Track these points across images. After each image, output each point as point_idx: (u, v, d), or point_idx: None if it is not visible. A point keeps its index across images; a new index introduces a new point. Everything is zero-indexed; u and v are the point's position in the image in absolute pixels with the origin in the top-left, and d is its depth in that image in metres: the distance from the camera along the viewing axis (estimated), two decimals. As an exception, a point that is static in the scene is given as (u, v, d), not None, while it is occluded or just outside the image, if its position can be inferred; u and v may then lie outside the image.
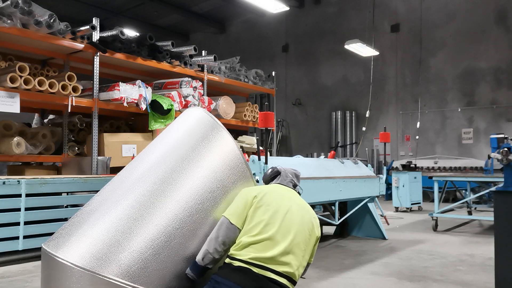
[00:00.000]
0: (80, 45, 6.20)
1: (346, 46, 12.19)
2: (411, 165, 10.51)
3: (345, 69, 15.52)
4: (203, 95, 7.79)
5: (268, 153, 4.66)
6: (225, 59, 8.92)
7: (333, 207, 5.55)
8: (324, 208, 6.22)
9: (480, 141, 12.86)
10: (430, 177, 7.79)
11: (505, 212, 3.18)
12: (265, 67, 12.54)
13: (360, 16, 14.72)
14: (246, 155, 6.74)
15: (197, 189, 2.48)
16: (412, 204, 9.51)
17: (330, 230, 6.46)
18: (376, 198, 6.10)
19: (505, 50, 12.59)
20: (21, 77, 5.44)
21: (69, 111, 6.20)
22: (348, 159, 6.16)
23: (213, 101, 7.99)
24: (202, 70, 8.14)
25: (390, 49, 14.50)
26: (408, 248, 5.49)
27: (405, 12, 14.28)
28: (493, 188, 4.82)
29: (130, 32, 8.54)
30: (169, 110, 6.97)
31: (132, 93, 6.51)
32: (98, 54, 6.36)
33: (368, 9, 14.01)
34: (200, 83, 7.68)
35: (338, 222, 5.48)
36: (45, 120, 7.71)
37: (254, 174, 4.18)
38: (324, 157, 7.15)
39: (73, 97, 6.01)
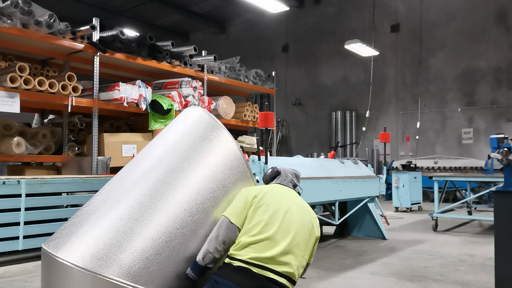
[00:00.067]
0: (80, 45, 6.20)
1: (346, 46, 12.20)
2: (411, 165, 10.51)
3: (345, 69, 15.52)
4: (203, 95, 7.79)
5: (268, 153, 4.66)
6: (225, 59, 8.92)
7: (333, 207, 5.55)
8: (324, 208, 6.22)
9: (480, 141, 12.86)
10: (430, 177, 7.79)
11: (505, 212, 3.18)
12: (265, 67, 12.54)
13: (360, 16, 14.72)
14: (246, 155, 6.75)
15: (197, 189, 2.48)
16: (412, 204, 9.51)
17: (330, 230, 6.46)
18: (376, 198, 6.10)
19: (505, 50, 12.59)
20: (21, 77, 5.44)
21: (69, 111, 6.20)
22: (348, 159, 6.16)
23: (213, 101, 7.99)
24: (202, 70, 8.14)
25: (390, 49, 14.50)
26: (408, 248, 5.49)
27: (405, 12, 14.29)
28: (493, 188, 4.82)
29: (130, 32, 8.54)
30: (169, 110, 6.97)
31: (132, 93, 6.51)
32: (98, 54, 6.36)
33: (368, 9, 14.01)
34: (200, 83, 7.68)
35: (338, 222, 5.48)
36: (45, 120, 7.71)
37: (254, 174, 4.18)
38: (324, 157, 7.15)
39: (73, 97, 6.01)
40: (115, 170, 6.43)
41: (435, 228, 6.88)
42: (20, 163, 7.03)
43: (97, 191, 5.13)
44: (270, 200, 2.48)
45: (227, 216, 2.43)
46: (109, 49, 6.49)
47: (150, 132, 7.06)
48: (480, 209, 9.22)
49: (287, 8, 10.72)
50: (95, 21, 6.31)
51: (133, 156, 6.58)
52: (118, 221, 2.29)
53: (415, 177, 9.67)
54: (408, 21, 14.22)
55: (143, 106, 6.69)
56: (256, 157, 4.52)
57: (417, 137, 13.42)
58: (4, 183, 4.44)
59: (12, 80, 5.35)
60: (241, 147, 8.54)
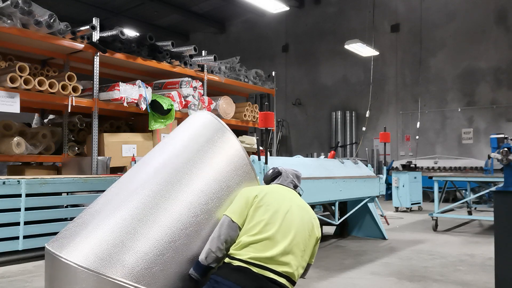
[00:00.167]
0: (80, 45, 6.21)
1: (346, 46, 12.20)
2: (411, 165, 10.51)
3: (345, 69, 15.52)
4: (203, 95, 7.79)
5: (268, 153, 4.66)
6: (225, 59, 8.92)
7: (333, 207, 5.56)
8: (324, 208, 6.22)
9: (480, 141, 12.86)
10: (430, 177, 7.79)
11: (505, 212, 3.18)
12: (265, 67, 12.54)
13: (360, 16, 14.72)
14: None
15: (201, 190, 2.49)
16: (412, 204, 9.51)
17: (330, 230, 6.46)
18: (376, 198, 6.10)
19: (505, 50, 12.59)
20: (21, 77, 5.44)
21: (69, 111, 6.20)
22: (348, 159, 6.16)
23: (213, 101, 7.99)
24: (202, 70, 8.14)
25: (390, 49, 14.50)
26: (408, 248, 5.49)
27: (405, 12, 14.29)
28: (493, 188, 4.82)
29: (130, 32, 8.54)
30: (169, 110, 6.97)
31: (132, 93, 6.51)
32: (98, 54, 6.36)
33: (368, 9, 14.01)
34: (200, 83, 7.69)
35: (338, 222, 5.48)
36: (45, 120, 7.72)
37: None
38: (324, 157, 7.16)
39: (73, 97, 6.01)
40: (115, 170, 6.44)
41: (435, 228, 6.89)
42: (20, 163, 7.03)
43: (97, 191, 5.18)
44: (271, 200, 2.49)
45: (229, 215, 2.44)
46: (109, 49, 6.49)
47: (150, 132, 7.06)
48: (480, 209, 9.22)
49: (287, 8, 10.72)
50: (95, 21, 6.31)
51: (133, 156, 6.58)
52: (122, 222, 2.30)
53: (415, 177, 9.67)
54: (408, 21, 14.22)
55: (143, 106, 6.69)
56: (256, 157, 4.52)
57: (417, 137, 13.42)
58: (4, 183, 4.44)
59: (12, 80, 5.35)
60: (241, 147, 8.52)
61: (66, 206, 5.27)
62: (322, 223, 5.34)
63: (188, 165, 2.55)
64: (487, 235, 6.43)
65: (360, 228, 6.33)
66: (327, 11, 16.02)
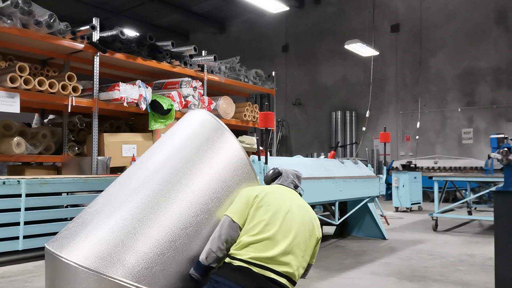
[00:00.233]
0: (80, 45, 6.20)
1: (346, 46, 12.20)
2: (411, 165, 10.51)
3: (345, 69, 15.52)
4: (203, 95, 7.79)
5: (268, 153, 4.66)
6: (225, 59, 8.92)
7: (333, 207, 5.56)
8: (324, 208, 6.22)
9: (480, 141, 12.86)
10: (430, 177, 7.79)
11: (505, 212, 3.18)
12: (265, 67, 12.54)
13: (360, 16, 14.72)
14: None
15: (201, 190, 2.49)
16: (412, 204, 9.51)
17: (330, 230, 6.46)
18: (376, 198, 6.10)
19: (505, 50, 12.59)
20: (21, 77, 5.44)
21: (69, 111, 6.20)
22: (348, 159, 6.16)
23: (213, 101, 7.99)
24: (202, 70, 8.14)
25: (390, 49, 14.50)
26: (408, 248, 5.49)
27: (405, 12, 14.29)
28: (493, 188, 4.82)
29: (130, 32, 8.54)
30: (169, 110, 6.97)
31: (132, 93, 6.51)
32: (98, 54, 6.36)
33: (368, 9, 14.01)
34: (200, 83, 7.68)
35: (338, 222, 5.48)
36: (45, 120, 7.71)
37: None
38: (324, 157, 7.16)
39: (73, 97, 6.01)
40: (115, 170, 6.44)
41: (435, 228, 6.89)
42: (20, 163, 7.03)
43: (97, 191, 5.18)
44: (271, 200, 2.49)
45: (229, 215, 2.44)
46: (109, 49, 6.49)
47: (150, 132, 7.06)
48: (480, 209, 9.22)
49: (287, 8, 10.72)
50: (95, 21, 6.31)
51: (133, 156, 6.58)
52: (122, 222, 2.30)
53: (415, 177, 9.67)
54: (408, 21, 14.22)
55: (143, 106, 6.69)
56: (256, 157, 4.52)
57: (417, 137, 13.42)
58: (4, 183, 4.44)
59: (12, 80, 5.35)
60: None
61: (66, 206, 5.27)
62: (322, 223, 5.33)
63: (188, 164, 2.55)
64: (487, 235, 6.43)
65: (360, 228, 6.33)
66: (327, 11, 16.02)
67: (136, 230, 2.27)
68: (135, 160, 6.27)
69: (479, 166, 11.92)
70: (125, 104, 6.44)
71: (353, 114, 15.21)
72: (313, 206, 5.29)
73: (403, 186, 9.46)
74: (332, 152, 7.24)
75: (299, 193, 2.79)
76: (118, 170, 6.50)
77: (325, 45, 15.98)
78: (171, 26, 18.63)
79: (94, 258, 2.15)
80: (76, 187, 5.04)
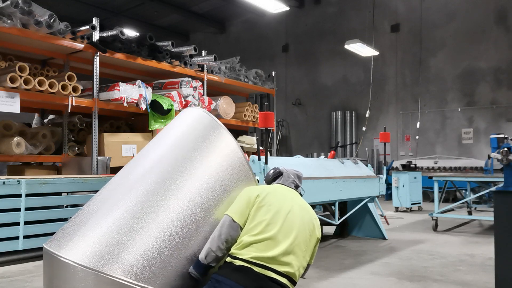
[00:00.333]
0: (80, 45, 6.20)
1: (346, 46, 12.20)
2: (411, 165, 10.51)
3: (345, 69, 15.52)
4: (203, 95, 7.79)
5: (268, 153, 4.66)
6: (225, 59, 8.92)
7: (333, 207, 5.56)
8: (324, 208, 6.22)
9: (480, 141, 12.86)
10: (430, 177, 7.79)
11: (505, 212, 3.18)
12: (265, 67, 12.54)
13: (360, 16, 14.72)
14: (246, 155, 6.74)
15: (199, 189, 2.49)
16: (412, 204, 9.51)
17: (330, 230, 6.46)
18: (376, 198, 6.10)
19: (505, 50, 12.59)
20: (21, 77, 5.44)
21: (69, 111, 6.20)
22: (348, 159, 6.16)
23: (213, 101, 7.99)
24: (202, 70, 8.14)
25: (390, 49, 14.50)
26: (408, 248, 5.49)
27: (405, 12, 14.29)
28: (493, 188, 4.82)
29: (130, 32, 8.54)
30: (169, 110, 6.97)
31: (132, 93, 6.51)
32: (98, 54, 6.36)
33: (368, 9, 14.01)
34: (200, 83, 7.68)
35: (338, 222, 5.48)
36: (45, 120, 7.71)
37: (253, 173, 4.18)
38: (324, 157, 7.16)
39: (73, 97, 6.01)
40: (115, 170, 6.43)
41: (435, 228, 6.89)
42: (20, 163, 7.03)
43: (97, 191, 5.15)
44: (273, 200, 2.49)
45: (230, 215, 2.44)
46: (109, 49, 6.49)
47: (150, 132, 7.06)
48: (480, 209, 9.22)
49: (287, 8, 10.72)
50: (95, 21, 6.31)
51: (133, 156, 6.57)
52: (120, 220, 2.30)
53: (415, 177, 9.67)
54: (408, 21, 14.22)
55: (143, 106, 6.69)
56: (256, 157, 4.52)
57: (417, 137, 13.42)
58: (4, 183, 4.44)
59: (12, 80, 5.35)
60: (241, 147, 8.53)
61: (66, 206, 5.27)
62: (322, 223, 5.34)
63: (185, 163, 2.55)
64: (487, 235, 6.43)
65: (360, 228, 6.33)
66: (327, 11, 16.02)
67: (134, 228, 2.27)
68: (134, 160, 6.28)
69: (479, 166, 11.92)
70: (125, 104, 6.44)
71: (353, 114, 15.21)
72: (313, 206, 5.29)
73: (403, 186, 9.46)
74: (332, 152, 7.25)
75: (300, 193, 2.79)
76: (118, 170, 6.44)
77: (325, 45, 15.98)
78: (171, 26, 18.63)
79: (92, 257, 2.15)
80: (76, 187, 5.04)
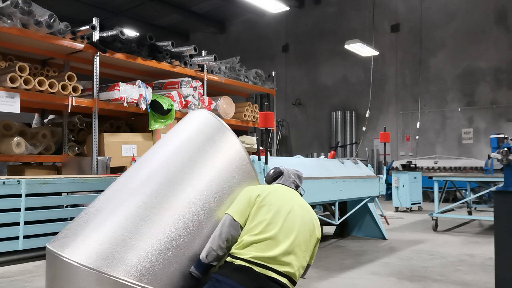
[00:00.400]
0: (80, 45, 6.20)
1: (346, 46, 12.20)
2: (411, 165, 10.51)
3: (345, 69, 15.52)
4: (203, 95, 7.79)
5: (268, 153, 4.66)
6: (225, 59, 8.92)
7: (333, 207, 5.55)
8: (324, 208, 6.22)
9: (480, 141, 12.86)
10: (430, 177, 7.79)
11: (505, 212, 3.18)
12: (265, 67, 12.54)
13: (360, 16, 14.72)
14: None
15: (203, 189, 2.50)
16: (412, 204, 9.51)
17: (330, 230, 6.46)
18: (376, 198, 6.10)
19: (505, 50, 12.59)
20: (21, 77, 5.44)
21: (69, 111, 6.20)
22: (348, 159, 6.16)
23: (213, 101, 7.99)
24: (202, 70, 8.14)
25: (390, 49, 14.50)
26: (408, 248, 5.49)
27: (405, 12, 14.29)
28: (493, 188, 4.82)
29: (130, 32, 8.54)
30: (169, 110, 6.97)
31: (132, 93, 6.51)
32: (98, 54, 6.36)
33: (368, 9, 14.01)
34: (200, 83, 7.68)
35: (338, 222, 5.48)
36: (45, 120, 7.71)
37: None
38: (324, 157, 7.16)
39: (73, 97, 6.01)
40: (115, 170, 6.44)
41: (435, 228, 6.88)
42: (20, 163, 7.03)
43: (97, 191, 5.18)
44: (273, 200, 2.49)
45: (231, 214, 2.44)
46: (109, 49, 6.49)
47: (150, 132, 7.06)
48: (480, 209, 9.22)
49: (287, 8, 10.72)
50: (95, 21, 6.31)
51: (133, 156, 6.58)
52: (124, 221, 2.30)
53: (415, 177, 9.67)
54: (408, 21, 14.22)
55: (143, 106, 6.69)
56: (256, 157, 4.52)
57: (417, 137, 13.42)
58: (4, 183, 4.44)
59: (12, 80, 5.35)
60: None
61: (66, 206, 5.27)
62: (322, 223, 5.34)
63: (189, 164, 2.56)
64: (487, 235, 6.43)
65: (360, 228, 6.33)
66: (327, 11, 16.02)
67: (137, 229, 2.27)
68: (135, 160, 6.29)
69: (479, 166, 11.92)
70: (125, 104, 6.44)
71: (353, 114, 15.21)
72: (313, 206, 5.29)
73: (403, 186, 9.46)
74: (332, 152, 7.24)
75: (300, 193, 2.79)
76: (118, 170, 6.50)
77: (325, 45, 15.98)
78: (171, 26, 18.63)
79: (95, 257, 2.16)
80: (76, 187, 5.04)
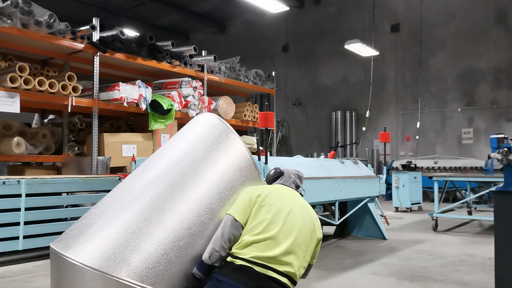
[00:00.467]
0: (80, 45, 6.21)
1: (346, 46, 12.20)
2: (411, 165, 10.51)
3: (345, 69, 15.52)
4: (203, 95, 7.79)
5: (268, 153, 4.66)
6: (225, 59, 8.92)
7: (333, 207, 5.56)
8: (324, 208, 6.22)
9: (480, 141, 12.86)
10: (430, 177, 7.79)
11: (505, 212, 3.18)
12: (265, 67, 12.54)
13: (360, 16, 14.72)
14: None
15: (206, 190, 2.51)
16: (412, 204, 9.51)
17: (330, 230, 6.45)
18: (376, 198, 6.10)
19: (505, 50, 12.59)
20: (21, 77, 5.44)
21: (69, 111, 6.20)
22: (348, 159, 6.15)
23: (213, 101, 7.99)
24: (202, 70, 8.14)
25: (390, 49, 14.51)
26: (408, 248, 5.49)
27: (405, 12, 14.29)
28: (493, 188, 4.82)
29: (130, 32, 8.54)
30: (169, 110, 6.97)
31: (132, 93, 6.51)
32: (98, 54, 6.36)
33: (368, 9, 14.01)
34: (200, 83, 7.68)
35: (338, 222, 5.48)
36: (45, 120, 7.72)
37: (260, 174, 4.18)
38: (324, 157, 7.16)
39: (73, 97, 6.01)
40: (115, 170, 6.45)
41: (435, 228, 6.88)
42: (20, 163, 7.03)
43: (97, 191, 5.18)
44: (274, 200, 2.49)
45: (232, 214, 2.44)
46: (109, 49, 6.49)
47: (150, 132, 7.06)
48: (480, 209, 9.22)
49: (287, 8, 10.72)
50: (95, 21, 6.31)
51: (133, 156, 6.58)
52: (127, 222, 2.32)
53: (415, 177, 9.67)
54: (408, 21, 14.22)
55: (143, 106, 6.69)
56: (256, 157, 4.52)
57: (417, 137, 13.42)
58: (4, 183, 4.44)
59: (12, 80, 5.35)
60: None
61: (66, 206, 5.27)
62: (322, 223, 5.33)
63: (193, 166, 2.57)
64: (487, 235, 6.43)
65: (360, 228, 6.33)
66: (327, 11, 16.02)
67: (140, 230, 2.29)
68: (135, 160, 6.29)
69: (479, 166, 11.92)
70: (125, 104, 6.44)
71: (353, 114, 15.21)
72: (313, 206, 5.29)
73: (403, 186, 9.46)
74: (332, 152, 7.24)
75: (301, 193, 2.79)
76: (118, 170, 6.50)
77: (325, 45, 15.98)
78: (171, 26, 18.63)
79: (98, 258, 2.17)
80: (76, 187, 5.04)
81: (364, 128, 12.55)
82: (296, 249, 2.36)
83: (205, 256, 2.37)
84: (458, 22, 13.32)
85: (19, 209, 4.54)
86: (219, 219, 2.50)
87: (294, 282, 2.34)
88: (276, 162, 4.74)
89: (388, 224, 6.54)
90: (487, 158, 10.60)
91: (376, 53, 12.99)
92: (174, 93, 7.17)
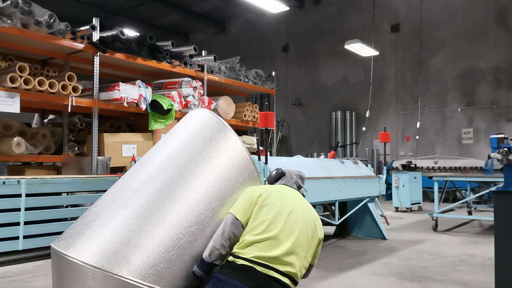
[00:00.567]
0: (80, 45, 6.20)
1: (346, 46, 12.20)
2: (411, 165, 10.51)
3: (345, 69, 15.53)
4: (203, 95, 7.79)
5: (268, 153, 4.66)
6: (225, 59, 8.92)
7: (333, 207, 5.56)
8: (324, 208, 6.22)
9: (480, 141, 12.86)
10: (430, 177, 7.79)
11: (505, 212, 3.18)
12: (265, 67, 12.54)
13: (360, 16, 14.72)
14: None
15: (205, 189, 2.51)
16: (412, 204, 9.51)
17: (330, 230, 6.45)
18: (376, 198, 6.10)
19: (505, 50, 12.59)
20: (21, 77, 5.44)
21: (69, 111, 6.20)
22: (348, 159, 6.16)
23: (213, 101, 7.99)
24: (202, 70, 8.14)
25: (390, 49, 14.51)
26: (408, 248, 5.49)
27: (405, 12, 14.29)
28: (493, 188, 4.82)
29: (130, 32, 8.54)
30: (169, 110, 6.97)
31: (132, 93, 6.51)
32: (98, 54, 6.36)
33: (368, 9, 14.01)
34: (200, 83, 7.69)
35: (338, 222, 5.48)
36: (45, 120, 7.72)
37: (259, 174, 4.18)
38: (324, 157, 7.16)
39: (73, 97, 6.01)
40: (115, 170, 6.45)
41: (435, 228, 6.88)
42: (20, 163, 7.03)
43: (97, 191, 5.18)
44: (275, 200, 2.49)
45: (233, 213, 2.45)
46: (109, 49, 6.49)
47: (150, 132, 7.06)
48: (480, 209, 9.22)
49: (287, 8, 10.72)
50: (95, 21, 6.31)
51: (133, 156, 6.58)
52: (127, 220, 2.32)
53: (415, 177, 9.67)
54: (408, 21, 14.22)
55: (143, 106, 6.69)
56: (256, 157, 4.52)
57: (417, 137, 13.42)
58: (4, 183, 4.44)
59: (12, 80, 5.35)
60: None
61: (66, 206, 5.27)
62: (322, 223, 5.32)
63: (192, 164, 2.57)
64: (487, 235, 6.43)
65: (360, 228, 6.33)
66: (327, 11, 16.02)
67: (141, 228, 2.29)
68: (135, 160, 6.29)
69: (479, 166, 11.92)
70: (125, 104, 6.44)
71: (353, 114, 15.21)
72: (313, 206, 5.28)
73: (403, 186, 9.46)
74: (332, 152, 7.24)
75: (302, 194, 2.79)
76: (118, 170, 6.50)
77: (325, 45, 15.98)
78: (171, 26, 18.63)
79: (99, 256, 2.18)
80: (76, 187, 5.04)
81: (364, 128, 12.55)
82: (298, 249, 2.36)
83: (205, 254, 2.37)
84: (458, 22, 13.32)
85: (19, 209, 4.54)
86: (219, 218, 2.50)
87: (295, 282, 2.34)
88: (276, 162, 4.74)
89: (388, 224, 6.54)
90: (487, 158, 10.60)
91: (376, 53, 12.99)
92: (174, 93, 7.17)
